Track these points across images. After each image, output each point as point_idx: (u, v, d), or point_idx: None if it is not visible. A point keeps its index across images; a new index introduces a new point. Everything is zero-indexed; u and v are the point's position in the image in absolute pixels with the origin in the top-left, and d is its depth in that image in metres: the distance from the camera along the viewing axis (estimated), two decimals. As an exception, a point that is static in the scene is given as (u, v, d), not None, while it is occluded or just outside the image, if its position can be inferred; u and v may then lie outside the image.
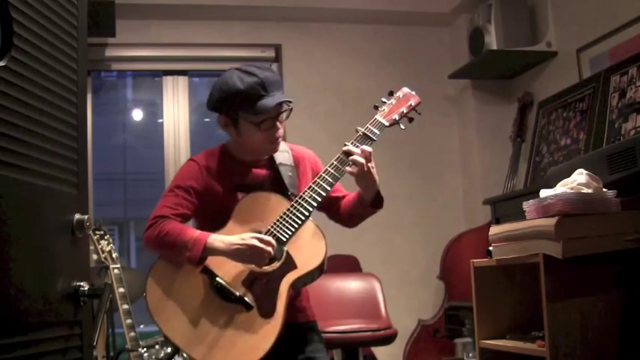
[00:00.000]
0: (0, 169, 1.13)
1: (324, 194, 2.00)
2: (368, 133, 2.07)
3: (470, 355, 3.29)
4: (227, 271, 1.96)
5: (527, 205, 2.02)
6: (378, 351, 3.64)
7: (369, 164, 2.01)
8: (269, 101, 1.98)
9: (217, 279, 1.95)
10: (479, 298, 2.22)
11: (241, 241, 1.92)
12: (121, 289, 2.78)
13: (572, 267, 1.86)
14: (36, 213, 1.25)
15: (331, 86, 4.18)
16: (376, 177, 2.04)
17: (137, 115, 6.20)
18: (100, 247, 2.86)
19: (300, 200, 1.99)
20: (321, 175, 2.03)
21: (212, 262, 1.98)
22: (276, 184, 2.09)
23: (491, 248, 2.18)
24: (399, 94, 2.18)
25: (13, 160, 1.17)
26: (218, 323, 1.93)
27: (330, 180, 2.01)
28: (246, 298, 1.93)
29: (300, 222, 1.97)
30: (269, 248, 1.91)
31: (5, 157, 1.15)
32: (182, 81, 4.21)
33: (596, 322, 1.89)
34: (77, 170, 1.41)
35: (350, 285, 3.35)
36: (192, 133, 4.19)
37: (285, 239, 1.96)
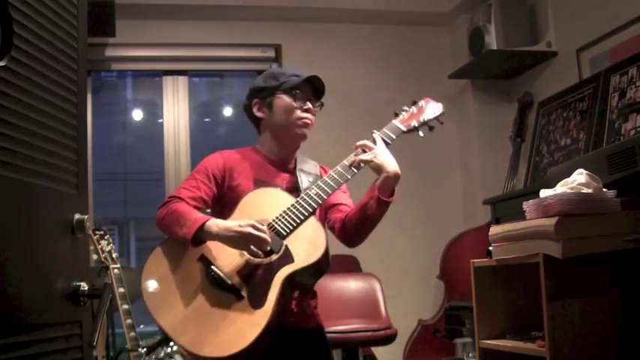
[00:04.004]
0: (0, 169, 1.13)
1: (330, 192, 2.00)
2: (383, 136, 2.08)
3: (470, 355, 3.29)
4: (224, 261, 1.96)
5: (527, 205, 2.02)
6: (378, 351, 3.63)
7: (376, 149, 2.03)
8: (303, 77, 2.12)
9: (212, 267, 1.95)
10: (479, 298, 2.22)
11: (238, 228, 1.91)
12: (121, 289, 2.78)
13: (572, 267, 1.86)
14: (36, 213, 1.25)
15: (331, 86, 4.13)
16: (387, 159, 2.04)
17: (137, 115, 6.19)
18: (100, 247, 2.86)
19: (305, 197, 1.99)
20: (330, 174, 2.04)
21: (210, 251, 1.98)
22: (292, 187, 2.11)
23: (491, 248, 2.18)
24: (422, 103, 2.19)
25: (13, 160, 1.17)
26: (207, 311, 1.92)
27: (338, 178, 2.02)
28: (238, 288, 1.92)
29: (302, 217, 1.96)
30: (264, 236, 1.90)
31: (5, 157, 1.15)
32: (182, 81, 4.21)
33: (596, 322, 1.89)
34: (77, 170, 1.41)
35: (350, 285, 3.34)
36: (192, 133, 4.19)
37: (285, 233, 1.95)
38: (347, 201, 2.18)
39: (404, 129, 2.12)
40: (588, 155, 2.87)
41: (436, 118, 2.16)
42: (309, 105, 2.14)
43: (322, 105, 2.20)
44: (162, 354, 2.75)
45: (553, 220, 1.84)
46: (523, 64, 3.92)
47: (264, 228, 1.93)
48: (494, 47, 3.71)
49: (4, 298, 1.13)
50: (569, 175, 1.99)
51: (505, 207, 3.43)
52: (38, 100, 1.27)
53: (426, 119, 2.14)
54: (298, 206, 1.98)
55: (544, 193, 1.98)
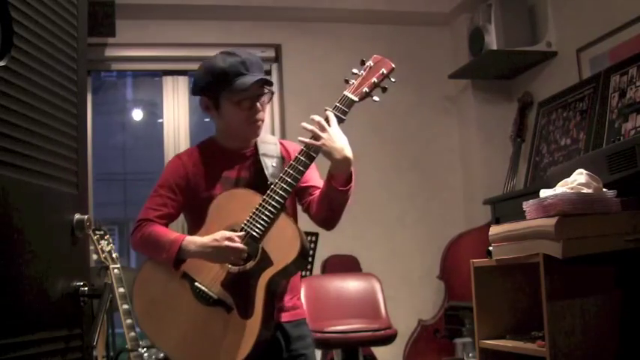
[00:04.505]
0: (0, 169, 1.13)
1: (294, 184, 1.94)
2: (337, 112, 2.00)
3: (470, 355, 3.29)
4: (205, 275, 1.96)
5: (527, 205, 2.02)
6: (378, 351, 3.63)
7: (324, 134, 1.93)
8: (248, 79, 1.99)
9: (196, 284, 1.96)
10: (479, 298, 2.22)
11: (215, 243, 1.92)
12: (121, 289, 2.78)
13: (572, 267, 1.86)
14: (36, 213, 1.25)
15: (331, 86, 4.13)
16: (334, 144, 1.92)
17: (137, 115, 6.20)
18: (100, 247, 2.86)
19: (271, 193, 1.94)
20: (291, 164, 1.96)
21: (191, 267, 1.98)
22: (258, 174, 2.07)
23: (491, 248, 2.18)
24: (370, 62, 2.08)
25: (13, 160, 1.17)
26: (201, 328, 1.94)
27: (300, 168, 1.95)
28: (225, 300, 1.93)
29: (271, 216, 1.92)
30: (241, 246, 1.90)
31: (5, 157, 1.15)
32: (182, 81, 4.21)
33: (596, 322, 1.89)
34: (77, 170, 1.41)
35: (350, 285, 3.34)
36: (192, 133, 4.19)
37: (259, 236, 1.92)
38: (316, 179, 2.11)
39: (356, 99, 2.02)
40: (588, 155, 2.87)
41: (387, 77, 2.06)
42: (257, 106, 2.04)
43: (273, 94, 2.11)
44: (162, 354, 2.76)
45: (553, 220, 1.84)
46: (523, 64, 3.92)
47: (238, 237, 1.92)
48: (495, 47, 3.71)
49: (4, 299, 1.13)
50: (569, 175, 1.99)
51: (505, 207, 3.43)
52: (38, 100, 1.27)
53: (376, 81, 2.04)
54: (266, 204, 1.93)
55: (544, 193, 1.98)
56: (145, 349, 2.75)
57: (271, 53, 4.22)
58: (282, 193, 1.93)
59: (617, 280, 1.93)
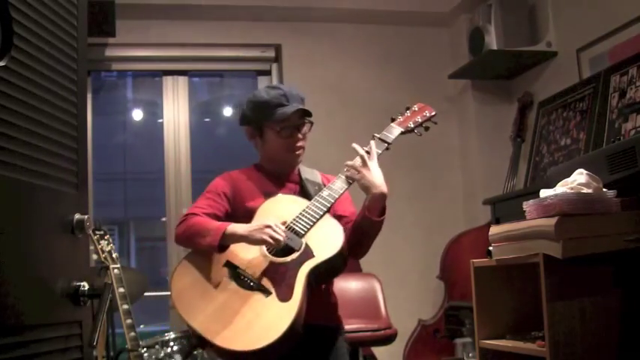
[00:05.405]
0: (0, 169, 1.13)
1: (341, 192, 2.14)
2: (383, 137, 2.25)
3: (470, 355, 3.29)
4: (248, 263, 2.07)
5: (527, 205, 2.02)
6: (378, 351, 3.63)
7: (364, 169, 2.13)
8: (288, 109, 2.19)
9: (238, 270, 2.06)
10: (479, 298, 2.22)
11: (255, 225, 2.05)
12: (121, 289, 2.78)
13: (572, 267, 1.86)
14: (36, 213, 1.25)
15: (331, 86, 4.18)
16: (374, 180, 2.12)
17: (137, 115, 6.18)
18: (100, 247, 2.86)
19: (318, 198, 2.14)
20: (339, 176, 2.18)
21: (234, 256, 2.08)
22: (302, 195, 2.25)
23: (491, 248, 2.18)
24: (415, 107, 2.37)
25: (13, 160, 1.17)
26: (237, 309, 2.00)
27: (342, 185, 2.16)
28: (265, 285, 2.01)
29: (317, 216, 2.09)
30: (282, 234, 2.02)
31: (5, 157, 1.15)
32: (182, 81, 4.21)
33: (596, 322, 1.89)
34: (77, 170, 1.42)
35: (350, 285, 3.34)
36: (193, 133, 4.19)
37: (303, 232, 2.07)
38: (349, 209, 2.29)
39: (402, 129, 2.30)
40: (588, 155, 2.87)
41: (429, 119, 2.34)
42: (298, 136, 2.24)
43: (312, 124, 2.29)
44: (162, 354, 2.76)
45: (553, 220, 1.84)
46: (523, 64, 3.92)
47: (281, 227, 2.05)
48: (494, 47, 3.71)
49: (4, 298, 1.13)
50: (569, 175, 1.99)
51: (505, 207, 3.43)
52: (38, 100, 1.27)
53: (420, 120, 2.33)
54: (313, 207, 2.12)
55: (544, 193, 1.98)
56: (145, 349, 2.75)
57: (271, 53, 4.22)
58: (329, 198, 2.13)
59: (616, 280, 1.94)
